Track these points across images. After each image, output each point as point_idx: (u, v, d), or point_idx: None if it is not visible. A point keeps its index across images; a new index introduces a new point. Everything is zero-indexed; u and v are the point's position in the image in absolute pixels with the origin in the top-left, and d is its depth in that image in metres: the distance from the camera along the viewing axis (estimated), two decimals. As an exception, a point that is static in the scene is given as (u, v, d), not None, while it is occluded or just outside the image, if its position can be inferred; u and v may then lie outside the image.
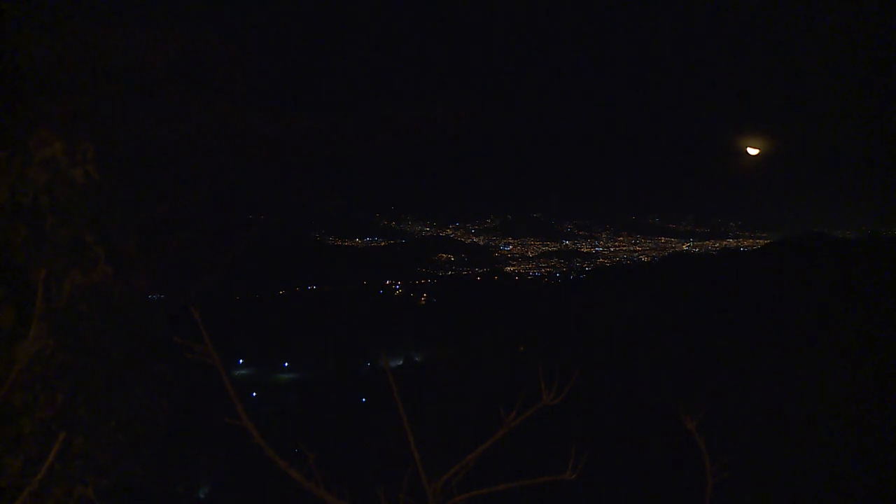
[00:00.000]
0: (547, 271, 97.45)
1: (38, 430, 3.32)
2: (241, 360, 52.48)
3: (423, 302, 76.94)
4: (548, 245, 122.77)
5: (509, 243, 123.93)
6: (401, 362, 50.18)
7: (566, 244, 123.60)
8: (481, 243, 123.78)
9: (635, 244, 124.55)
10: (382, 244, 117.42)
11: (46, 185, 3.43)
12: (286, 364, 55.21)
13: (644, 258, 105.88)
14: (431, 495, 2.59)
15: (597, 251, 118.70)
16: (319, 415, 40.09)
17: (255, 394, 45.70)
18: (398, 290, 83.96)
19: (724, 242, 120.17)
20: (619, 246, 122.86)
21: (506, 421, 2.72)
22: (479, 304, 64.91)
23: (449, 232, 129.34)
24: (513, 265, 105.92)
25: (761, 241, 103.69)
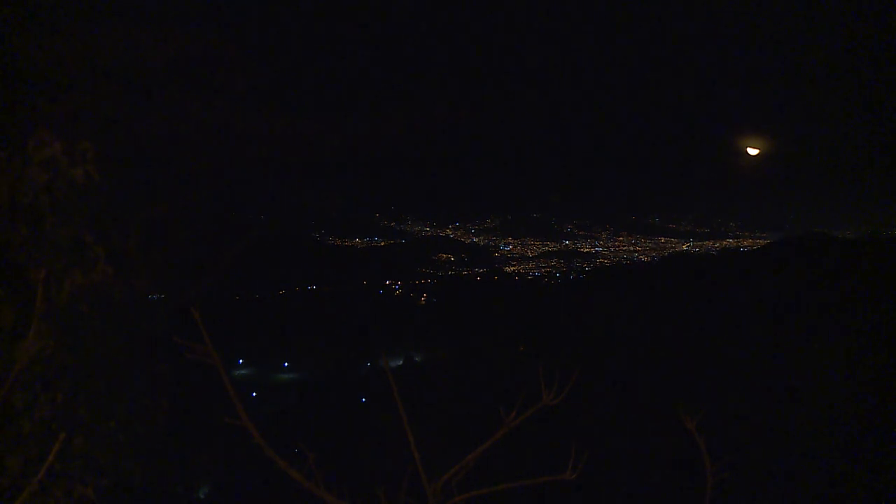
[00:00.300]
0: (547, 271, 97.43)
1: (38, 430, 3.33)
2: (241, 360, 52.50)
3: (423, 302, 76.95)
4: (548, 245, 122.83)
5: (509, 243, 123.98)
6: (401, 362, 50.16)
7: (566, 244, 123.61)
8: (481, 243, 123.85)
9: (635, 244, 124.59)
10: (382, 244, 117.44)
11: (46, 185, 3.43)
12: (286, 364, 55.23)
13: (644, 258, 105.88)
14: (431, 495, 2.59)
15: (597, 251, 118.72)
16: (319, 415, 40.07)
17: (255, 394, 45.71)
18: (398, 290, 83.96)
19: (724, 242, 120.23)
20: (619, 246, 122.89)
21: (506, 421, 2.72)
22: (479, 304, 64.89)
23: (449, 232, 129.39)
24: (513, 265, 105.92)
25: (761, 241, 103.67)
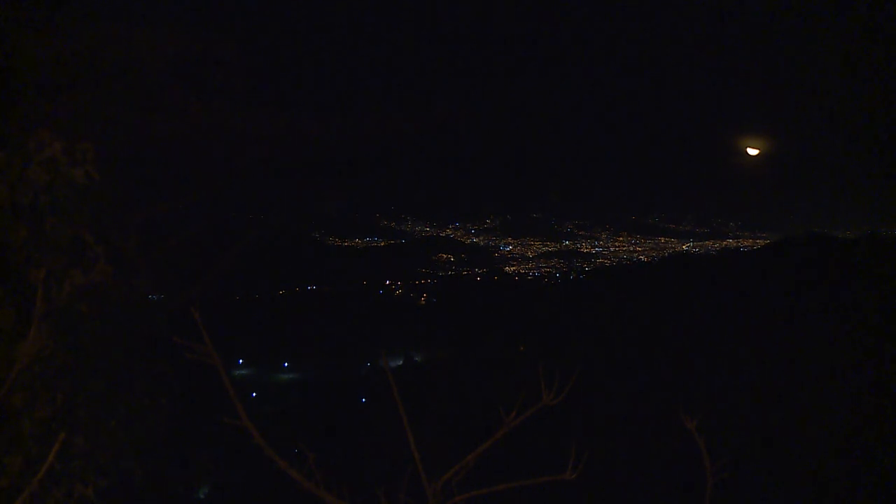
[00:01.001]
0: (547, 271, 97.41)
1: (38, 430, 3.32)
2: (241, 360, 52.46)
3: (423, 302, 76.92)
4: (548, 245, 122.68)
5: (509, 243, 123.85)
6: (401, 362, 50.14)
7: (566, 244, 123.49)
8: (481, 243, 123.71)
9: (635, 244, 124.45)
10: (382, 244, 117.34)
11: (46, 185, 3.42)
12: (286, 364, 55.20)
13: (644, 258, 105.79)
14: (431, 495, 2.59)
15: (597, 251, 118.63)
16: (319, 415, 40.07)
17: (255, 394, 45.69)
18: (398, 290, 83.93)
19: (724, 242, 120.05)
20: (619, 246, 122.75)
21: (506, 421, 2.72)
22: (479, 304, 64.89)
23: (449, 232, 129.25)
24: (513, 265, 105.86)
25: (761, 241, 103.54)
